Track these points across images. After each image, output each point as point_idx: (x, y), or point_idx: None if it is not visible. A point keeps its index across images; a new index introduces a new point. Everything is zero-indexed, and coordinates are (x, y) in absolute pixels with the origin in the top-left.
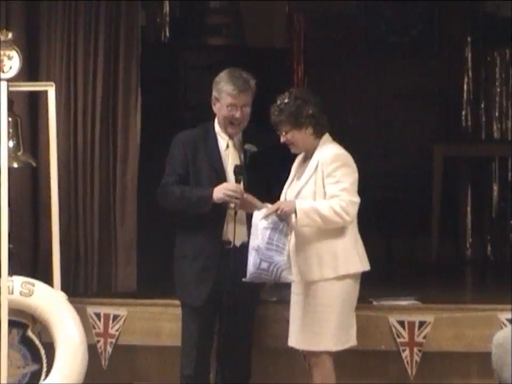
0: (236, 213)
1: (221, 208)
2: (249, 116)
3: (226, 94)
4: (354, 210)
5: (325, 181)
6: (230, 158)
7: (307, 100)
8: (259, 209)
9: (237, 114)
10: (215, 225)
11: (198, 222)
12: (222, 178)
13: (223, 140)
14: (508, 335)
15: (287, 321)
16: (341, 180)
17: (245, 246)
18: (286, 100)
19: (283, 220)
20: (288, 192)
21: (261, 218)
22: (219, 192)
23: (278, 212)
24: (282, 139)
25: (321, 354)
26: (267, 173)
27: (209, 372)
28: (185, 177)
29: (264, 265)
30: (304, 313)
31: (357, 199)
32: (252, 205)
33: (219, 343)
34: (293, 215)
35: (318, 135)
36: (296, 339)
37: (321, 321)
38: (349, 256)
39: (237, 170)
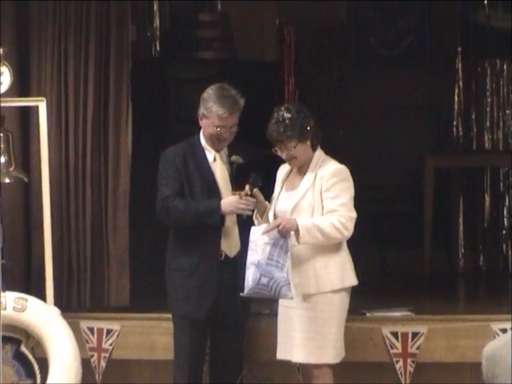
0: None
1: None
2: (235, 133)
3: (215, 115)
4: (352, 225)
5: (323, 195)
6: (218, 170)
7: (306, 112)
8: (263, 209)
9: (225, 134)
10: (212, 237)
11: (195, 234)
12: (214, 190)
13: (209, 153)
14: (497, 347)
15: None
16: (340, 195)
17: (237, 258)
18: (290, 115)
19: (283, 236)
20: (279, 204)
21: (261, 234)
22: (229, 206)
23: (280, 228)
24: (285, 156)
25: (323, 367)
26: None
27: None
28: (181, 191)
29: (264, 280)
30: (304, 326)
31: (354, 215)
32: (260, 203)
33: (211, 355)
34: (292, 232)
35: (315, 147)
36: (297, 353)
37: (323, 334)
38: (344, 269)
39: (252, 181)
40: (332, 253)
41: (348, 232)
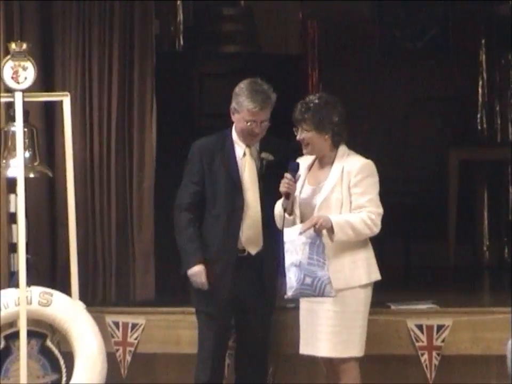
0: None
1: (236, 216)
2: (267, 127)
3: (247, 110)
4: (380, 221)
5: (351, 190)
6: (247, 166)
7: (335, 107)
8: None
9: (257, 129)
10: (232, 233)
11: (214, 230)
12: (238, 187)
13: (240, 148)
14: None
15: None
16: (368, 190)
17: (261, 255)
18: (316, 101)
19: (319, 234)
20: (302, 197)
21: (299, 233)
22: (195, 277)
23: (317, 226)
24: (298, 136)
25: (350, 361)
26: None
27: (223, 379)
28: (201, 190)
29: (308, 280)
30: (330, 321)
31: (382, 211)
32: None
33: (237, 350)
34: (325, 230)
35: (335, 144)
36: (323, 347)
37: (349, 328)
38: (371, 264)
39: (291, 167)
40: (359, 248)
41: (377, 229)
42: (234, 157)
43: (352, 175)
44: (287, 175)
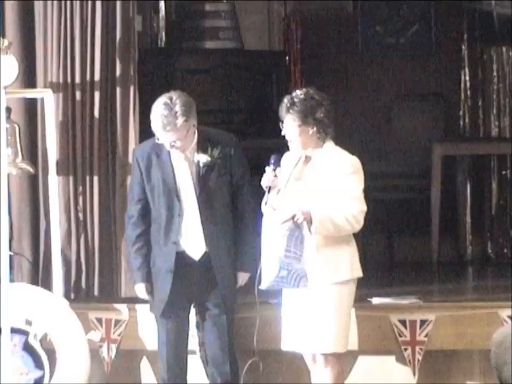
0: None
1: (175, 223)
2: (193, 134)
3: (155, 129)
4: (362, 218)
5: (337, 186)
6: (183, 171)
7: (321, 103)
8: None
9: (176, 144)
10: (170, 240)
11: (156, 238)
12: (173, 192)
13: (176, 152)
14: (507, 333)
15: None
16: (352, 187)
17: (208, 259)
18: (302, 96)
19: (298, 226)
20: (287, 192)
21: (280, 224)
22: (138, 293)
23: (295, 219)
24: (283, 131)
25: (333, 356)
26: (222, 182)
27: (185, 375)
28: (144, 201)
29: (283, 272)
30: (314, 316)
31: (365, 208)
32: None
33: (202, 348)
34: (305, 222)
35: (321, 139)
36: (306, 343)
37: (333, 324)
38: (354, 261)
39: (274, 161)
40: (342, 244)
41: (358, 225)
42: (170, 162)
43: (338, 171)
44: (268, 168)
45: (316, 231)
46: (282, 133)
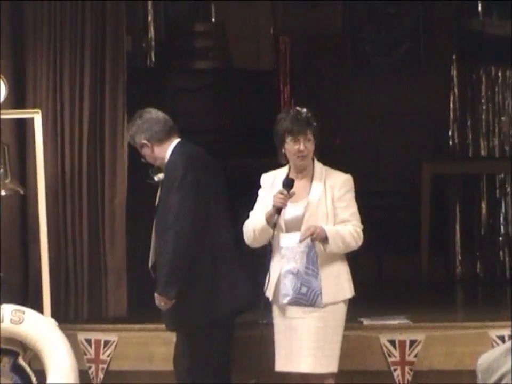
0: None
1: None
2: (151, 152)
3: None
4: (362, 235)
5: (335, 204)
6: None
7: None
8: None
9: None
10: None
11: None
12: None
13: None
14: (492, 358)
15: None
16: (350, 204)
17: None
18: (311, 114)
19: (314, 244)
20: (286, 214)
21: (298, 241)
22: None
23: (314, 236)
24: (302, 147)
25: (328, 376)
26: (166, 202)
27: None
28: None
29: (304, 289)
30: (312, 336)
31: (361, 225)
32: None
33: None
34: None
35: (313, 156)
36: (306, 363)
37: (331, 343)
38: (350, 279)
39: (286, 182)
40: (341, 263)
41: (361, 242)
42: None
43: (336, 189)
44: (283, 190)
45: (329, 248)
46: (301, 149)
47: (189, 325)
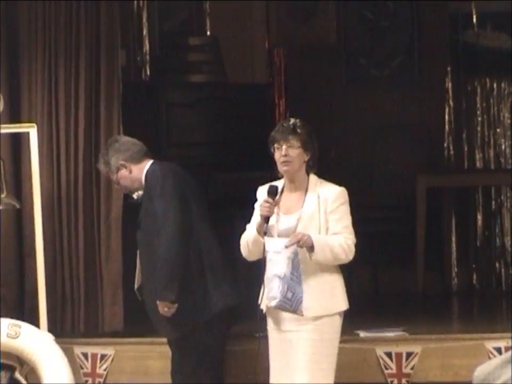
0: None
1: None
2: (125, 179)
3: None
4: (354, 248)
5: (328, 216)
6: None
7: (314, 133)
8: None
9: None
10: None
11: None
12: None
13: None
14: (489, 371)
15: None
16: (343, 217)
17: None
18: (300, 123)
19: (298, 251)
20: (279, 226)
21: (285, 246)
22: None
23: (300, 243)
24: (283, 152)
25: None
26: (148, 210)
27: None
28: None
29: (289, 294)
30: (308, 349)
31: (355, 238)
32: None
33: None
34: (304, 248)
35: (308, 170)
36: (302, 376)
37: (327, 356)
38: (344, 292)
39: (270, 190)
40: (336, 275)
41: (352, 255)
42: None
43: (329, 202)
44: (268, 199)
45: (315, 257)
46: (282, 153)
47: (187, 326)
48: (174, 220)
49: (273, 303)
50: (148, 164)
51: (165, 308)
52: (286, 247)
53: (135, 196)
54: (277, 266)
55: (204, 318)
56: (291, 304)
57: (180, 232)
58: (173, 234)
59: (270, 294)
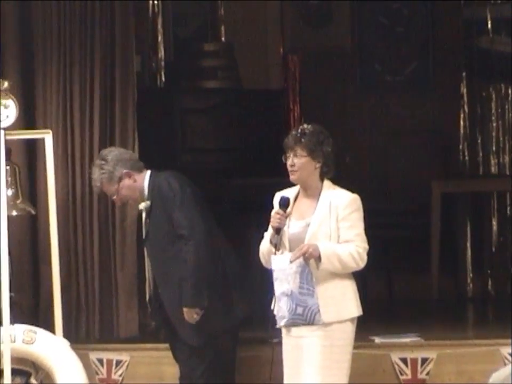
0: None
1: None
2: (128, 188)
3: None
4: (366, 256)
5: (339, 224)
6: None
7: (328, 138)
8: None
9: (116, 199)
10: None
11: None
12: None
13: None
14: (504, 376)
15: None
16: (355, 224)
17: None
18: (311, 129)
19: (307, 262)
20: (290, 232)
21: (290, 262)
22: None
23: (306, 255)
24: (290, 162)
25: None
26: (162, 219)
27: None
28: None
29: (300, 310)
30: (319, 355)
31: (367, 245)
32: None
33: None
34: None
35: (322, 176)
36: (312, 381)
37: (338, 363)
38: (357, 298)
39: (282, 202)
40: (348, 281)
41: (363, 263)
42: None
43: (340, 209)
44: (279, 210)
45: (322, 267)
46: (289, 164)
47: (214, 333)
48: (200, 228)
49: (282, 323)
50: (147, 173)
51: (194, 315)
52: (291, 261)
53: (140, 206)
54: (283, 285)
55: (230, 325)
56: (304, 318)
57: (206, 240)
58: (201, 243)
59: (279, 313)
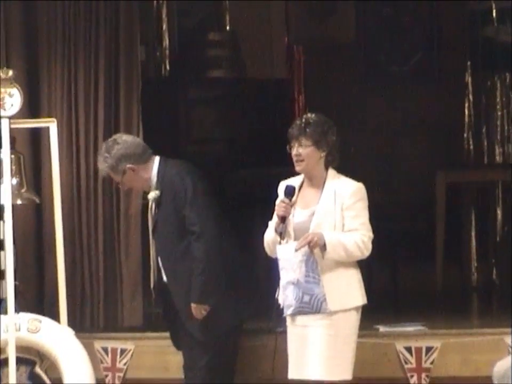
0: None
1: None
2: (132, 181)
3: None
4: (371, 245)
5: (344, 213)
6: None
7: (333, 127)
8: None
9: (122, 187)
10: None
11: None
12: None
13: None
14: (508, 366)
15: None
16: (360, 213)
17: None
18: (316, 119)
19: (312, 251)
20: (295, 221)
21: (295, 251)
22: None
23: (311, 244)
24: (295, 151)
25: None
26: (172, 213)
27: None
28: None
29: (306, 298)
30: (324, 344)
31: (372, 234)
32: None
33: None
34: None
35: (327, 165)
36: (316, 370)
37: (342, 352)
38: (362, 287)
39: (288, 191)
40: (352, 270)
41: (368, 252)
42: (147, 203)
43: (345, 198)
44: (284, 199)
45: (328, 256)
46: (293, 154)
47: (223, 329)
48: (211, 226)
49: (289, 311)
50: (156, 162)
51: (202, 311)
52: (296, 250)
53: (150, 196)
54: (289, 274)
55: (236, 322)
56: (311, 307)
57: (217, 238)
58: (212, 241)
59: (286, 302)
